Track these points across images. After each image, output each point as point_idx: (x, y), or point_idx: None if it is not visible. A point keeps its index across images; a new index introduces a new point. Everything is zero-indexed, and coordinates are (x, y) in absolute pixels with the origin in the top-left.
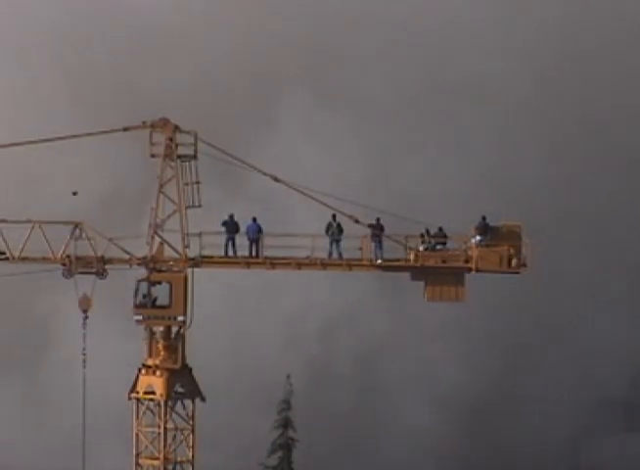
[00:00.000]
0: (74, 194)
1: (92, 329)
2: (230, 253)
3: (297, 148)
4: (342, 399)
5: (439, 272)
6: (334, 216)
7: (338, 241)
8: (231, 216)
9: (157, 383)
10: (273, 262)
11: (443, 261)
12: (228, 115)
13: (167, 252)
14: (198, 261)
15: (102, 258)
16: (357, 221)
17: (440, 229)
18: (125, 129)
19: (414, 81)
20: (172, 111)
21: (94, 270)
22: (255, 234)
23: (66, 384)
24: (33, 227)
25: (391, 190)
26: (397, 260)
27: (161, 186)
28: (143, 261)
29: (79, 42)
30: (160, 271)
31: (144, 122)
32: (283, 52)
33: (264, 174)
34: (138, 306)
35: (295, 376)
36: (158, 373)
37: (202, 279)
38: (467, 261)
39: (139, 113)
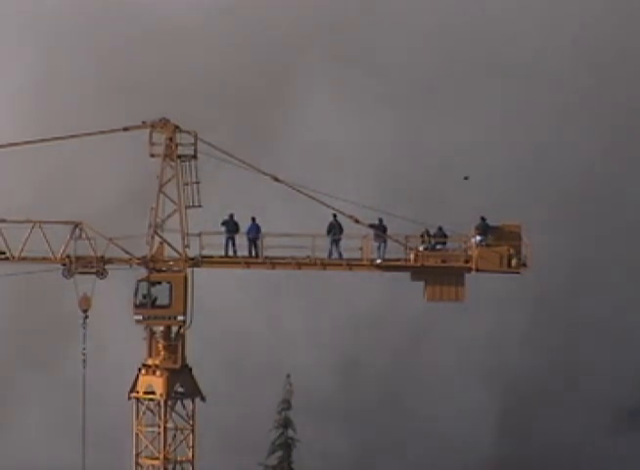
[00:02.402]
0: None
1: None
2: (230, 252)
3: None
4: (387, 386)
5: (439, 272)
6: (334, 216)
7: (337, 241)
8: (231, 216)
9: (157, 383)
10: (273, 262)
11: (443, 261)
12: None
13: (167, 252)
14: (198, 261)
15: (102, 257)
16: (357, 221)
17: (440, 229)
18: (125, 129)
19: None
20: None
21: (94, 270)
22: (255, 234)
23: (89, 383)
24: (33, 227)
25: (421, 164)
26: (397, 260)
27: (162, 186)
28: (143, 261)
29: (78, 41)
30: (160, 271)
31: (144, 122)
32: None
33: (265, 174)
34: (138, 306)
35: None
36: (158, 373)
37: (228, 278)
38: (467, 261)
39: (139, 112)
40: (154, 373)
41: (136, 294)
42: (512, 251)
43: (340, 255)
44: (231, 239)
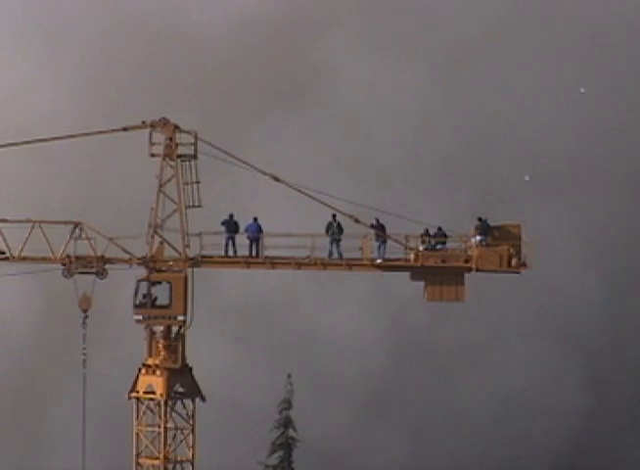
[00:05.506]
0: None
1: None
2: (230, 252)
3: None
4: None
5: (439, 272)
6: (334, 216)
7: (338, 241)
8: (231, 216)
9: (157, 382)
10: (273, 262)
11: (443, 261)
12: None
13: (167, 252)
14: (198, 261)
15: (102, 257)
16: (357, 221)
17: (440, 229)
18: (125, 129)
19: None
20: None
21: (94, 270)
22: (255, 234)
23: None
24: (33, 227)
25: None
26: (397, 260)
27: (161, 186)
28: (143, 261)
29: (77, 41)
30: (160, 271)
31: (144, 122)
32: None
33: (265, 174)
34: (138, 306)
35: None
36: (158, 373)
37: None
38: (467, 261)
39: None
40: (154, 373)
41: (136, 294)
42: (512, 250)
43: (340, 255)
44: (231, 239)
